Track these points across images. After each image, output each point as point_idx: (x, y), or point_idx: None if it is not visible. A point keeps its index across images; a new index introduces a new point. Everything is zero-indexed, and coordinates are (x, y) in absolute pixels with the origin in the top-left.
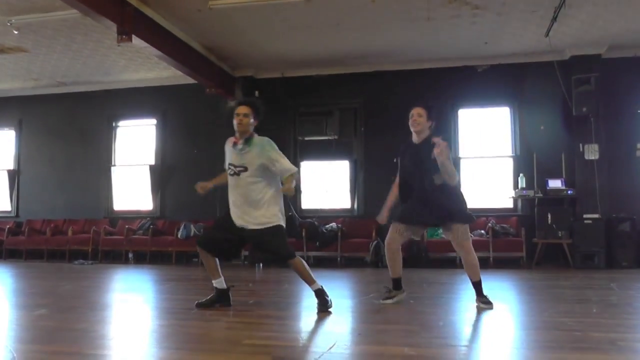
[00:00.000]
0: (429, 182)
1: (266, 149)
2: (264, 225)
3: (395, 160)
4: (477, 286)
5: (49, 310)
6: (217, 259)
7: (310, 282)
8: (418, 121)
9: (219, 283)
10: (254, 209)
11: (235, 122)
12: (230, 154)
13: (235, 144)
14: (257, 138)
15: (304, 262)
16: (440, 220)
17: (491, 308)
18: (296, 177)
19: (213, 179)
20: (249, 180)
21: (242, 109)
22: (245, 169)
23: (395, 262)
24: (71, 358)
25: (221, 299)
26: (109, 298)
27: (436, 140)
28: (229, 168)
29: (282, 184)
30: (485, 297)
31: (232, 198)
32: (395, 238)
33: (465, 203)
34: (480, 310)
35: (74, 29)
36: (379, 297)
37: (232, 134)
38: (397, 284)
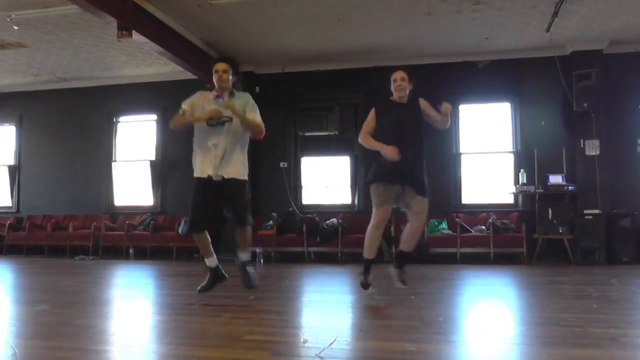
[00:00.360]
0: (413, 144)
1: (247, 100)
2: (242, 177)
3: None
4: (407, 257)
5: (49, 306)
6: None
7: (245, 249)
8: (402, 85)
9: (212, 261)
10: (235, 159)
11: (215, 78)
12: (210, 105)
13: (217, 97)
14: (238, 92)
15: None
16: (417, 186)
17: (405, 287)
18: (260, 131)
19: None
20: (235, 130)
21: (221, 66)
22: (230, 120)
23: (377, 244)
24: (72, 353)
25: (217, 278)
26: (109, 294)
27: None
28: (210, 120)
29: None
30: (406, 272)
31: (213, 148)
32: (383, 222)
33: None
34: (393, 287)
35: (74, 24)
36: (379, 292)
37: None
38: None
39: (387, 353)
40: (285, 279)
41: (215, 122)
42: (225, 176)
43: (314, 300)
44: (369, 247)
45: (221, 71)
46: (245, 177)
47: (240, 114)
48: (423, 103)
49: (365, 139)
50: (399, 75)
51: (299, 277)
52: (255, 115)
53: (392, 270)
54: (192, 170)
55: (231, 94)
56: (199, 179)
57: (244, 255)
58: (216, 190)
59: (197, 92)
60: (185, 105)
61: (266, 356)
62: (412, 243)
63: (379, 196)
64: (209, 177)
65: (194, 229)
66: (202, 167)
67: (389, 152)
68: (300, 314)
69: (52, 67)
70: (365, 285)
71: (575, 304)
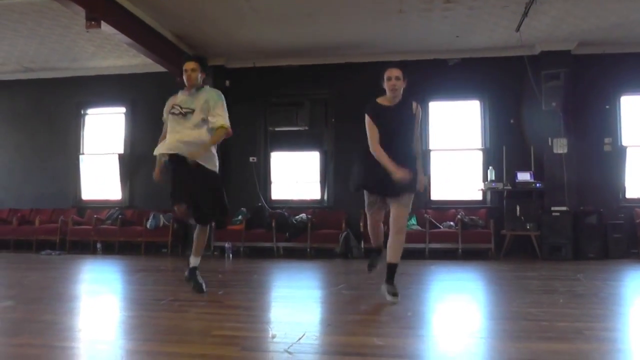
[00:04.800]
0: (403, 150)
1: (214, 96)
2: (216, 168)
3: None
4: (394, 269)
5: (14, 302)
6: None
7: (198, 255)
8: (397, 85)
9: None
10: (198, 143)
11: (184, 77)
12: (177, 100)
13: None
14: (209, 88)
15: None
16: (403, 189)
17: (396, 302)
18: (227, 133)
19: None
20: (195, 122)
21: (190, 65)
22: (192, 111)
23: (380, 235)
24: (38, 350)
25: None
26: (76, 289)
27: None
28: (174, 107)
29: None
30: (395, 286)
31: (172, 133)
32: (376, 223)
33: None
34: (384, 299)
35: (41, 13)
36: (348, 287)
37: None
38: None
39: (355, 347)
40: (254, 274)
41: (176, 111)
42: (190, 157)
43: (283, 296)
44: (372, 238)
45: (190, 70)
46: (215, 169)
47: (213, 141)
48: (418, 111)
49: (379, 153)
50: (393, 73)
51: (268, 272)
52: (216, 118)
53: (382, 286)
54: None
55: (199, 89)
56: (169, 157)
57: (195, 261)
58: (189, 169)
59: (169, 99)
60: (165, 115)
61: (235, 351)
62: (396, 254)
63: (366, 199)
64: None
65: (174, 200)
66: (167, 145)
67: (400, 175)
68: (269, 309)
69: (18, 56)
70: (370, 265)
71: (542, 298)
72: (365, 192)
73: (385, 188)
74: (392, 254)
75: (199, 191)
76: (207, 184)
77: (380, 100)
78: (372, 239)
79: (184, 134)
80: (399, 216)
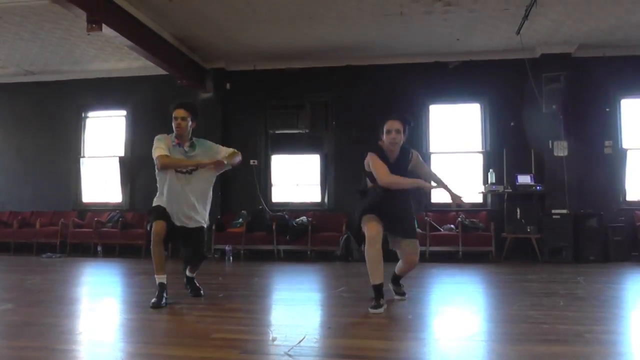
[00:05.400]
0: (401, 195)
1: (207, 145)
2: (204, 224)
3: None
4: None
5: (15, 305)
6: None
7: (195, 272)
8: (397, 140)
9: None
10: (202, 207)
11: (174, 124)
12: (175, 153)
13: (178, 144)
14: (196, 140)
15: None
16: (406, 233)
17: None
18: (238, 157)
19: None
20: (202, 178)
21: (180, 113)
22: (196, 168)
23: (380, 265)
24: (38, 353)
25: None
26: (77, 292)
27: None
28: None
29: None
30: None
31: (179, 197)
32: (376, 237)
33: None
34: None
35: (42, 16)
36: (348, 290)
37: (203, 125)
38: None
39: (356, 350)
40: (254, 277)
41: (185, 170)
42: (187, 226)
43: (283, 298)
44: (372, 270)
45: (180, 119)
46: (207, 222)
47: (224, 162)
48: (415, 158)
49: (398, 179)
50: (394, 125)
51: (268, 275)
52: (224, 151)
53: (390, 286)
54: None
55: (192, 145)
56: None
57: (193, 274)
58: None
59: (160, 137)
60: (165, 152)
61: (235, 354)
62: (406, 273)
63: (369, 218)
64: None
65: (157, 216)
66: (168, 209)
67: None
68: (270, 312)
69: (19, 59)
70: (376, 306)
71: (542, 301)
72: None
73: (395, 228)
74: (404, 273)
75: (184, 240)
76: (197, 242)
77: (381, 144)
78: (370, 271)
79: (187, 203)
80: (414, 252)
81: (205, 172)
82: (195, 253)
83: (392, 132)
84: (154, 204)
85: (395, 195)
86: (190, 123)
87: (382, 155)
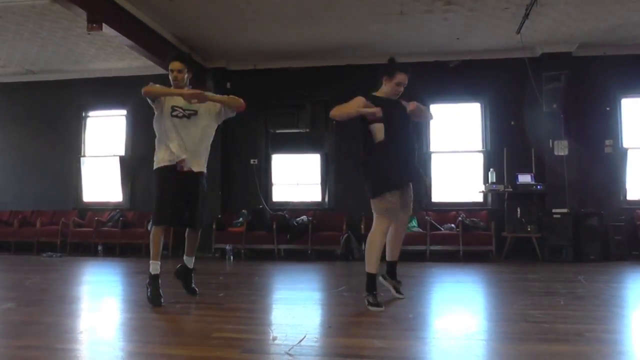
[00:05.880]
0: (410, 139)
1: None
2: (205, 169)
3: (379, 117)
4: (395, 266)
5: (15, 304)
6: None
7: (192, 255)
8: (401, 92)
9: (157, 268)
10: (203, 151)
11: (170, 77)
12: (174, 99)
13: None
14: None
15: None
16: (414, 179)
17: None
18: (241, 106)
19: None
20: (202, 124)
21: (176, 65)
22: (195, 113)
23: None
24: (39, 352)
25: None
26: (77, 291)
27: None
28: (175, 109)
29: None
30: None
31: (180, 140)
32: (388, 228)
33: None
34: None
35: (42, 15)
36: (349, 290)
37: None
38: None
39: (356, 350)
40: (255, 276)
41: (182, 114)
42: (195, 169)
43: (284, 298)
44: (373, 257)
45: (176, 71)
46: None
47: (219, 98)
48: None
49: (344, 108)
50: (405, 80)
51: (269, 275)
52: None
53: (386, 282)
54: None
55: None
56: (165, 167)
57: (191, 262)
58: (183, 182)
59: (154, 84)
60: (157, 86)
61: (235, 353)
62: (397, 251)
63: (392, 203)
64: (178, 164)
65: (160, 221)
66: (170, 153)
67: (376, 111)
68: (270, 312)
69: (19, 59)
70: (377, 304)
71: (542, 300)
72: (393, 195)
73: (410, 173)
74: (395, 250)
75: (191, 199)
76: (198, 191)
77: (378, 94)
78: (372, 259)
79: (191, 141)
80: (407, 219)
81: (203, 118)
82: (192, 212)
83: (401, 86)
84: (157, 164)
85: (409, 147)
86: (186, 75)
87: (378, 100)
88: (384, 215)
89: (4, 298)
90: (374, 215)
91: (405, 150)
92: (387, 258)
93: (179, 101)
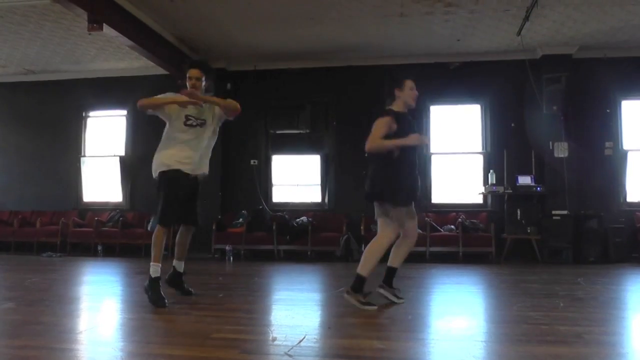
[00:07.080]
0: (418, 156)
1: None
2: (206, 172)
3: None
4: (394, 273)
5: (15, 304)
6: None
7: (183, 259)
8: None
9: (158, 270)
10: (206, 158)
11: (189, 84)
12: (188, 110)
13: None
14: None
15: None
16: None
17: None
18: (237, 109)
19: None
20: (209, 132)
21: (195, 72)
22: (205, 122)
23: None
24: (38, 352)
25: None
26: (77, 291)
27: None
28: (188, 119)
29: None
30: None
31: (191, 149)
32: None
33: None
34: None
35: (43, 15)
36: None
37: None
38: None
39: (356, 351)
40: (254, 276)
41: (196, 123)
42: (200, 176)
43: (283, 299)
44: (370, 263)
45: (194, 79)
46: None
47: (218, 101)
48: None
49: (384, 142)
50: (413, 82)
51: (269, 275)
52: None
53: (384, 290)
54: None
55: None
56: (177, 171)
57: (181, 266)
58: (189, 183)
59: (168, 93)
60: (165, 100)
61: (235, 354)
62: (401, 260)
63: (400, 219)
64: (188, 174)
65: (168, 222)
66: (184, 156)
67: (415, 139)
68: (270, 312)
69: (20, 59)
70: (369, 303)
71: (542, 302)
72: (402, 211)
73: (416, 193)
74: (402, 258)
75: (193, 198)
76: (197, 189)
77: (396, 108)
78: (369, 264)
79: (201, 150)
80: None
81: (210, 125)
82: (192, 210)
83: (414, 89)
84: (167, 167)
85: (414, 164)
86: (204, 83)
87: (399, 115)
88: (396, 224)
89: (4, 298)
90: (383, 224)
91: (416, 165)
92: (389, 263)
93: (192, 110)
